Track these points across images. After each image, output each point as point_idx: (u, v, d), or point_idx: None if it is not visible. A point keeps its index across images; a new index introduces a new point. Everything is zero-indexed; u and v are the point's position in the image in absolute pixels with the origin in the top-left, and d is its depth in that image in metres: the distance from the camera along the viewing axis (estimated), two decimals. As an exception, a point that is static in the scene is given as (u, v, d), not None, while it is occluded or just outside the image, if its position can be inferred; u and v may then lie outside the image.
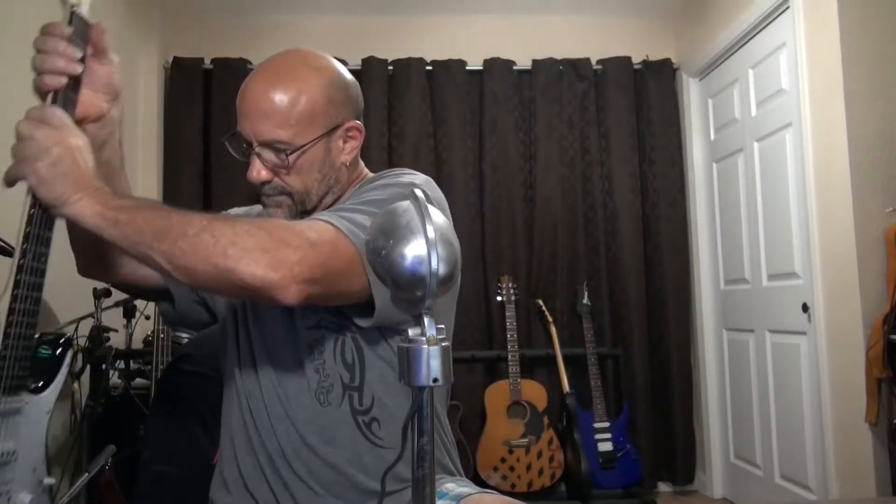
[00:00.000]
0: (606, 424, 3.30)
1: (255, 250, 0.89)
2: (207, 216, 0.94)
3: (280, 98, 1.06)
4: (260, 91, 1.07)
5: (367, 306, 1.03)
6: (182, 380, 1.34)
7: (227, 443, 1.15)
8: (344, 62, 1.18)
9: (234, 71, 3.50)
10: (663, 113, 3.73)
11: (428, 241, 0.59)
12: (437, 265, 0.59)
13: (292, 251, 0.91)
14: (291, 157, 1.07)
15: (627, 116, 3.71)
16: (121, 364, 2.50)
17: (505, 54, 3.70)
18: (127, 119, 3.34)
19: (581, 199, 3.65)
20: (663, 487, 3.62)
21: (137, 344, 2.71)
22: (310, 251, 0.92)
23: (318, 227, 0.97)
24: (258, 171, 1.08)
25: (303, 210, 1.12)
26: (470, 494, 1.04)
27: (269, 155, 1.08)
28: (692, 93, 3.70)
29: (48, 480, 1.60)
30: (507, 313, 3.34)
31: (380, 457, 1.08)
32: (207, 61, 3.57)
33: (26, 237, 1.00)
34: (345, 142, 1.14)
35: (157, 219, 0.92)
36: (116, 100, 1.08)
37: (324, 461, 1.07)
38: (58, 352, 1.86)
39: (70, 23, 0.99)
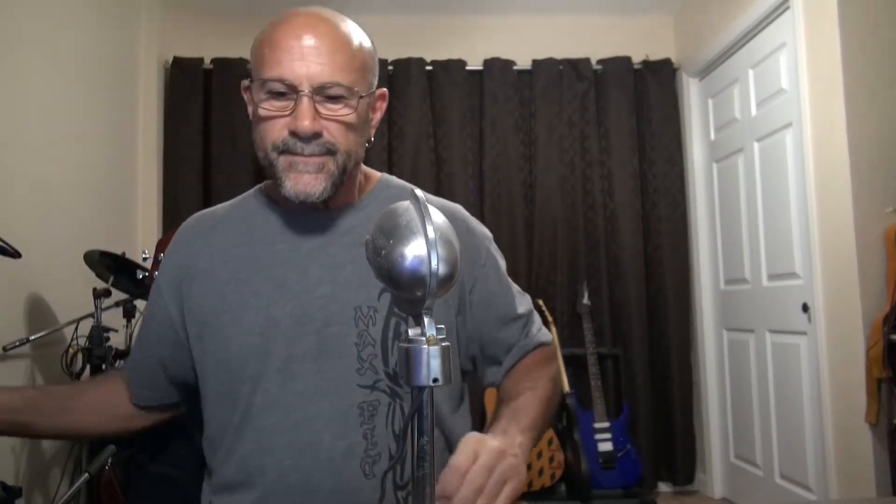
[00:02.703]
0: (606, 424, 3.30)
1: None
2: None
3: (343, 38, 0.95)
4: (320, 28, 0.95)
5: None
6: None
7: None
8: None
9: (233, 71, 3.50)
10: (663, 113, 3.73)
11: (428, 241, 0.59)
12: (437, 265, 0.59)
13: None
14: (358, 104, 0.96)
15: (627, 116, 3.71)
16: (121, 364, 2.50)
17: (505, 54, 3.70)
18: (127, 119, 3.36)
19: (581, 199, 3.65)
20: (663, 487, 3.62)
21: (137, 344, 2.70)
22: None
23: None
24: (312, 119, 0.93)
25: (340, 178, 0.99)
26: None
27: (322, 103, 0.95)
28: (692, 93, 3.70)
29: None
30: (507, 313, 3.34)
31: None
32: (207, 61, 3.57)
33: None
34: (373, 111, 1.05)
35: None
36: None
37: None
38: None
39: None
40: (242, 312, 1.01)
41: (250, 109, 1.03)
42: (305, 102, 0.93)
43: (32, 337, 2.17)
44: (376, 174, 1.14)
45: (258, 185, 1.13)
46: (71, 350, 2.28)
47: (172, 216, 3.44)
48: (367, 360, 0.99)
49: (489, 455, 0.78)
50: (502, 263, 1.16)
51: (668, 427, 3.59)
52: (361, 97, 0.97)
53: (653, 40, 3.82)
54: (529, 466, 3.17)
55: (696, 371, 3.64)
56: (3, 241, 1.86)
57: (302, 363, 0.98)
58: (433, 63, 3.67)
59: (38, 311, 2.32)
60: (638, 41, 3.80)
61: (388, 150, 3.59)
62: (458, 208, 1.15)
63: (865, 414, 2.30)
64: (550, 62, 3.70)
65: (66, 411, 1.06)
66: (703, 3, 3.51)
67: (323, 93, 0.94)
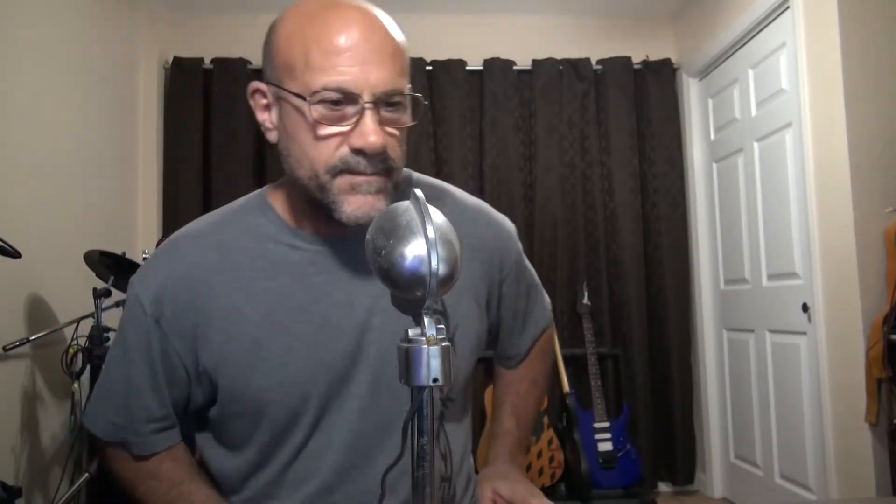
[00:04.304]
0: (606, 424, 3.30)
1: None
2: None
3: (396, 38, 0.84)
4: (376, 26, 0.83)
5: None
6: None
7: None
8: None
9: (234, 71, 3.50)
10: (663, 113, 3.73)
11: (428, 241, 0.59)
12: (437, 265, 0.59)
13: None
14: (412, 113, 0.86)
15: (627, 116, 3.71)
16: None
17: (505, 54, 3.70)
18: (127, 119, 3.37)
19: (581, 199, 3.65)
20: (663, 487, 3.62)
21: (137, 344, 2.70)
22: None
23: None
24: (380, 134, 0.81)
25: (392, 197, 0.87)
26: None
27: (383, 114, 0.83)
28: (692, 93, 3.70)
29: None
30: (507, 313, 3.34)
31: None
32: (207, 61, 3.57)
33: None
34: None
35: None
36: None
37: None
38: None
39: None
40: (286, 359, 0.89)
41: (267, 117, 0.89)
42: (371, 116, 0.81)
43: (32, 337, 2.17)
44: None
45: (259, 199, 0.97)
46: (71, 350, 2.28)
47: (172, 216, 3.44)
48: None
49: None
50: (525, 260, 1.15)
51: (668, 427, 3.59)
52: (413, 105, 0.87)
53: (653, 40, 3.82)
54: (529, 466, 3.17)
55: (696, 371, 3.64)
56: (3, 241, 1.86)
57: (358, 400, 0.91)
58: (433, 63, 3.67)
59: (38, 311, 2.32)
60: (638, 41, 3.80)
61: (388, 150, 3.59)
62: (483, 208, 1.08)
63: (865, 414, 2.30)
64: (550, 62, 3.70)
65: None
66: (703, 3, 3.51)
67: (385, 103, 0.83)
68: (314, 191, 0.85)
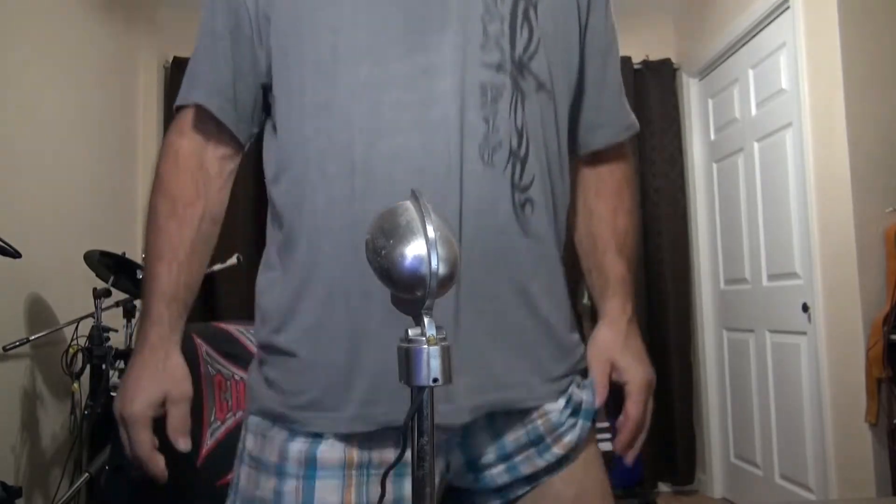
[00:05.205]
0: (606, 424, 3.30)
1: None
2: None
3: None
4: None
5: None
6: None
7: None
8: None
9: (234, 71, 3.50)
10: (663, 113, 3.73)
11: (428, 241, 0.59)
12: (437, 265, 0.59)
13: None
14: None
15: (627, 116, 3.70)
16: (121, 364, 2.50)
17: (505, 54, 3.70)
18: (127, 119, 3.36)
19: (581, 199, 3.65)
20: (663, 487, 3.62)
21: (137, 344, 2.70)
22: None
23: None
24: None
25: None
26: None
27: None
28: (692, 93, 3.71)
29: None
30: (507, 313, 3.34)
31: (529, 247, 0.87)
32: (207, 61, 3.57)
33: None
34: None
35: None
36: None
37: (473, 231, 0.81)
38: None
39: None
40: None
41: None
42: None
43: (32, 337, 2.17)
44: None
45: None
46: (71, 350, 2.28)
47: (172, 216, 3.44)
48: (493, 38, 0.85)
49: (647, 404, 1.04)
50: None
51: (668, 427, 3.59)
52: None
53: (653, 40, 3.82)
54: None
55: (696, 371, 3.64)
56: (3, 241, 1.86)
57: (424, 35, 0.83)
58: (433, 63, 3.67)
59: (38, 311, 2.33)
60: (638, 41, 3.80)
61: (388, 150, 3.59)
62: None
63: (865, 414, 2.30)
64: (550, 62, 3.70)
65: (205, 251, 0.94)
66: (703, 3, 3.51)
67: None
68: None
